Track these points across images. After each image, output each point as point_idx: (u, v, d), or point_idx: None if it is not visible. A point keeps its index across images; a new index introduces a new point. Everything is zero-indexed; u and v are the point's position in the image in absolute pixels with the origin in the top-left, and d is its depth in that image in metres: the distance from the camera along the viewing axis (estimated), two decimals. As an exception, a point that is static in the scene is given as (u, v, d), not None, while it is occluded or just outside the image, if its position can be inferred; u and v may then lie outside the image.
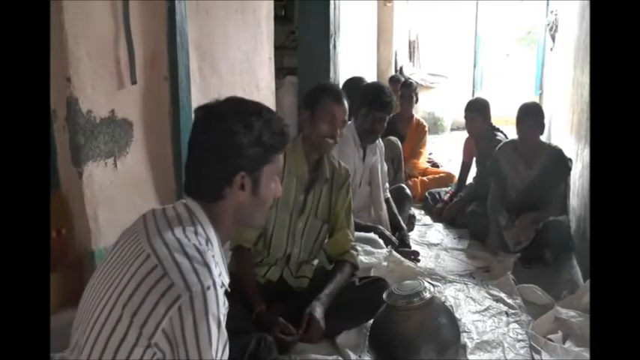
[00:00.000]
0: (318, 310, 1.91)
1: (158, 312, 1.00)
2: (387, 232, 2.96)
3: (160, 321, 1.00)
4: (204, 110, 1.22)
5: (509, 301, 2.43)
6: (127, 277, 1.05)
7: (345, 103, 2.12)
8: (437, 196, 4.08)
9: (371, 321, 2.04)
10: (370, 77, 6.09)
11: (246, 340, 1.69)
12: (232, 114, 1.19)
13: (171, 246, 1.06)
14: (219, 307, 1.03)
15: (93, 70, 2.25)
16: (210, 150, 1.18)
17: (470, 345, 2.09)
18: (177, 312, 0.99)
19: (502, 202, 3.28)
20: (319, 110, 2.07)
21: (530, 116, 3.12)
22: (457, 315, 2.23)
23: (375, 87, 3.02)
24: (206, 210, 1.18)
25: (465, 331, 2.17)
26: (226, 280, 1.17)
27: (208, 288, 1.01)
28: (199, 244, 1.09)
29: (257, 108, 1.24)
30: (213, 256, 1.08)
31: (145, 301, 1.01)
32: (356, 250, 2.23)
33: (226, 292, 1.09)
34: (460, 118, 4.22)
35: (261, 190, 1.23)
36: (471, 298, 2.50)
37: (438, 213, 3.90)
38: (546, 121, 3.27)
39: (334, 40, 2.65)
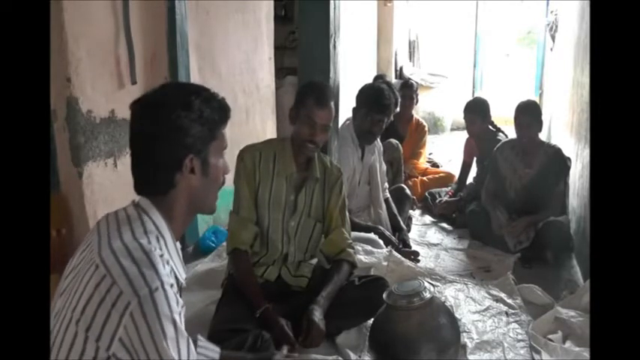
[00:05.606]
0: (317, 314, 1.89)
1: (112, 322, 1.00)
2: (387, 232, 2.96)
3: (114, 331, 1.00)
4: (141, 103, 1.19)
5: (509, 301, 2.43)
6: (80, 290, 1.04)
7: (330, 105, 2.02)
8: (437, 196, 4.09)
9: (371, 321, 2.04)
10: (370, 78, 6.09)
11: (243, 337, 1.69)
12: (171, 98, 1.17)
13: (119, 253, 1.05)
14: (171, 306, 1.03)
15: (93, 70, 2.25)
16: (156, 139, 1.16)
17: (470, 345, 2.09)
18: (130, 319, 0.99)
19: (498, 198, 3.28)
20: (302, 112, 2.02)
21: (528, 113, 3.13)
22: (457, 315, 2.23)
23: (375, 89, 3.01)
24: (158, 204, 1.18)
25: (465, 331, 2.17)
26: (182, 275, 1.17)
27: (156, 289, 1.01)
28: (147, 243, 1.08)
29: (194, 88, 1.23)
30: (161, 255, 1.08)
31: (97, 314, 1.00)
32: (352, 247, 2.22)
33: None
34: (460, 118, 4.21)
35: (210, 170, 1.22)
36: (471, 298, 2.50)
37: (441, 201, 3.91)
38: (546, 121, 3.28)
39: (334, 40, 2.63)
